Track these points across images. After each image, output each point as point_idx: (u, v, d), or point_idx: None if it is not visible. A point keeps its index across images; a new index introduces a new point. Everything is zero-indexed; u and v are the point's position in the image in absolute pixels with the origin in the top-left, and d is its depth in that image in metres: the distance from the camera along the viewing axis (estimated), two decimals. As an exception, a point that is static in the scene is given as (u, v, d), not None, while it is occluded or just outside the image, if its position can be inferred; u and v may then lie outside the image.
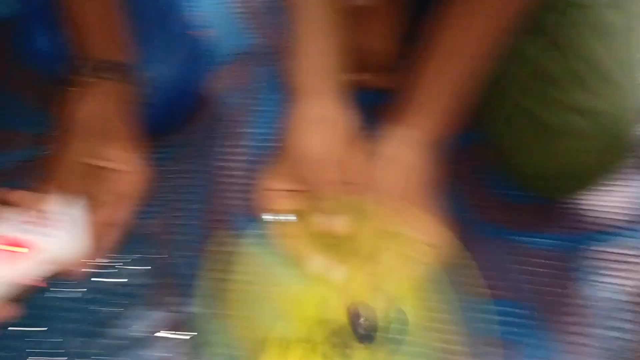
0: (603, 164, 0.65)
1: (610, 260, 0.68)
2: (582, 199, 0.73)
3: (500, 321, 0.63)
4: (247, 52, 0.86)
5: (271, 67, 0.84)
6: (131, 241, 0.55)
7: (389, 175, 0.56)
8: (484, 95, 0.68)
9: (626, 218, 0.72)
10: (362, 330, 0.51)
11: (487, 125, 0.69)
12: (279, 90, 0.80)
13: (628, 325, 0.64)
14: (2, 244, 0.43)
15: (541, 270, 0.68)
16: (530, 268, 0.68)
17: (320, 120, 0.57)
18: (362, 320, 0.51)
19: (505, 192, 0.73)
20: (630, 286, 0.67)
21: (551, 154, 0.64)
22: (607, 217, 0.72)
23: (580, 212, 0.72)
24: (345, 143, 0.57)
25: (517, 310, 0.65)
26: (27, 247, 0.44)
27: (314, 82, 0.59)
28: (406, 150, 0.57)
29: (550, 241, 0.70)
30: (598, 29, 0.64)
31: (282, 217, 0.55)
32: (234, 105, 0.80)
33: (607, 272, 0.68)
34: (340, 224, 0.54)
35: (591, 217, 0.72)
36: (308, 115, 0.57)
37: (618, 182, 0.74)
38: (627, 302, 0.65)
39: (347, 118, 0.58)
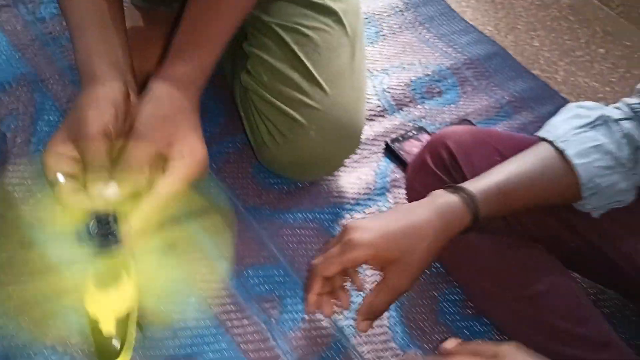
0: (338, 149, 0.79)
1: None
2: (328, 179, 0.87)
3: (264, 282, 0.75)
4: (22, 80, 0.90)
5: (45, 93, 0.89)
6: None
7: (152, 119, 0.59)
8: (247, 102, 0.81)
9: (366, 190, 0.88)
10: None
11: (251, 126, 0.81)
12: (54, 113, 0.86)
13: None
14: None
15: (295, 237, 0.80)
16: (285, 237, 0.80)
17: (99, 99, 0.59)
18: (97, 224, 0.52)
19: (265, 180, 0.85)
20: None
21: (296, 143, 0.76)
22: (351, 191, 0.87)
23: (327, 190, 0.87)
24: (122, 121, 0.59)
25: (276, 271, 0.76)
26: None
27: (96, 69, 0.61)
28: (167, 97, 0.61)
29: (303, 215, 0.83)
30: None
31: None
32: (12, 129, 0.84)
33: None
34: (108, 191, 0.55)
35: (335, 194, 0.87)
36: (89, 95, 0.59)
37: (357, 162, 0.90)
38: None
39: (126, 99, 0.61)
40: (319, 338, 0.71)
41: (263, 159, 0.83)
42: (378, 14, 1.16)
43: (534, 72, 1.13)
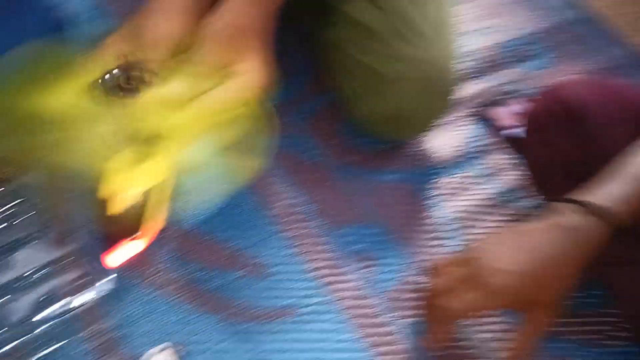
0: (428, 105, 0.76)
1: (447, 188, 0.80)
2: (420, 141, 0.84)
3: (357, 241, 0.72)
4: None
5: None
6: None
7: (219, 33, 0.56)
8: (332, 59, 0.78)
9: (457, 154, 0.84)
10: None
11: (336, 83, 0.78)
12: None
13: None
14: None
15: (390, 198, 0.77)
16: (380, 197, 0.77)
17: (169, 8, 0.56)
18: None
19: (355, 139, 0.82)
20: (462, 206, 0.78)
21: (386, 99, 0.74)
22: (442, 154, 0.84)
23: (419, 151, 0.83)
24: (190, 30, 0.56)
25: (370, 231, 0.74)
26: None
27: None
28: (238, 12, 0.58)
29: (396, 176, 0.80)
30: None
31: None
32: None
33: (445, 197, 0.79)
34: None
35: (428, 155, 0.83)
36: (160, 5, 0.56)
37: (448, 125, 0.86)
38: (460, 218, 0.77)
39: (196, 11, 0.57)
40: (416, 301, 0.69)
41: (353, 116, 0.80)
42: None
43: (632, 39, 1.07)
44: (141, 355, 0.61)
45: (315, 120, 0.84)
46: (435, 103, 0.77)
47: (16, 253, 0.63)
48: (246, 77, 0.55)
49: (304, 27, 0.84)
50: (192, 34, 0.55)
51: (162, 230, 0.57)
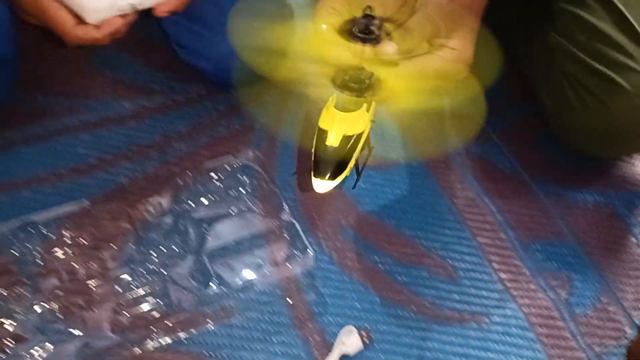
0: None
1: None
2: (619, 163, 0.80)
3: (549, 258, 0.70)
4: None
5: None
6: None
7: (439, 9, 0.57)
8: (554, 65, 0.75)
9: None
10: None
11: (548, 91, 0.76)
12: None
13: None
14: None
15: (590, 218, 0.75)
16: (578, 216, 0.75)
17: None
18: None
19: (553, 153, 0.80)
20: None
21: (611, 111, 0.69)
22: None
23: (620, 174, 0.79)
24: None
25: (564, 251, 0.72)
26: None
27: None
28: None
29: (598, 197, 0.77)
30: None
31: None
32: None
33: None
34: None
35: (631, 179, 0.79)
36: None
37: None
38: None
39: None
40: (613, 330, 0.66)
41: (563, 127, 0.76)
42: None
43: None
44: (327, 332, 0.64)
45: (514, 131, 0.83)
46: None
47: (228, 222, 0.68)
48: (457, 52, 0.55)
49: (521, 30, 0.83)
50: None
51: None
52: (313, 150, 0.54)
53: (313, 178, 0.54)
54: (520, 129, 0.83)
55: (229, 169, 0.71)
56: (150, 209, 0.67)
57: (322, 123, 0.52)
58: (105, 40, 0.57)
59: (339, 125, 0.52)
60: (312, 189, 0.55)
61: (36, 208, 0.66)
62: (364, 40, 0.51)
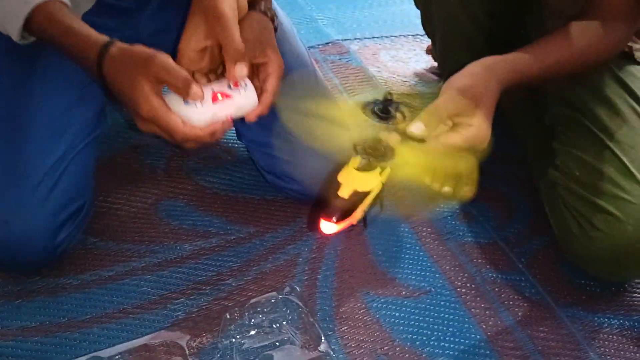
0: None
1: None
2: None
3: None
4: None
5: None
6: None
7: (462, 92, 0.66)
8: (557, 198, 0.80)
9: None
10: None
11: (559, 222, 0.80)
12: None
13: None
14: (216, 92, 0.66)
15: (613, 342, 0.74)
16: (603, 341, 0.74)
17: None
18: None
19: (577, 280, 0.81)
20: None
21: (611, 238, 0.73)
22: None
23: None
24: None
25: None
26: (229, 96, 0.67)
27: None
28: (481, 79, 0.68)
29: (620, 321, 0.77)
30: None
31: None
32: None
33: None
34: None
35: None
36: None
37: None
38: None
39: None
40: None
41: (571, 253, 0.80)
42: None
43: None
44: None
45: (539, 258, 0.85)
46: None
47: (272, 354, 0.72)
48: (474, 130, 0.64)
49: (528, 169, 0.89)
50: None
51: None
52: (328, 197, 0.62)
53: (321, 220, 0.61)
54: (545, 256, 0.85)
55: (272, 303, 0.76)
56: (203, 341, 0.72)
57: (340, 177, 0.62)
58: (206, 138, 0.66)
59: (352, 181, 0.61)
60: (321, 230, 0.62)
61: (104, 343, 0.72)
62: (382, 118, 0.62)
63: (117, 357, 0.70)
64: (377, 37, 1.36)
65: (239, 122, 0.79)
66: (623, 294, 0.80)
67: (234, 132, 0.99)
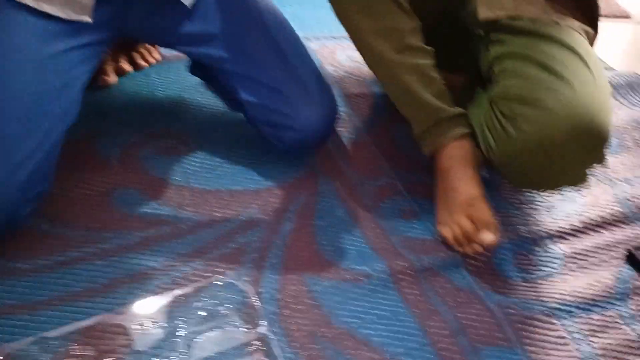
0: (575, 149, 0.75)
1: (594, 325, 0.78)
2: (560, 277, 0.84)
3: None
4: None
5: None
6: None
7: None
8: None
9: (606, 293, 0.83)
10: None
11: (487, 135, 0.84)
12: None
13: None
14: None
15: (534, 327, 0.78)
16: (524, 324, 0.78)
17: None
18: None
19: (507, 271, 0.85)
20: (607, 344, 0.76)
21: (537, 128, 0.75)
22: (585, 293, 0.83)
23: (561, 289, 0.83)
24: None
25: (512, 355, 0.74)
26: None
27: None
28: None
29: (541, 308, 0.81)
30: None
31: None
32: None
33: (591, 334, 0.77)
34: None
35: (572, 293, 0.83)
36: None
37: (589, 269, 0.86)
38: (604, 356, 0.75)
39: None
40: None
41: (506, 159, 0.81)
42: (622, 127, 1.12)
43: None
44: None
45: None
46: (587, 147, 0.76)
47: (213, 336, 0.74)
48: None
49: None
50: None
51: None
52: None
53: None
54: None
55: (217, 288, 0.78)
56: (148, 324, 0.73)
57: None
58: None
59: None
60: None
61: (52, 325, 0.73)
62: None
63: (63, 339, 0.71)
64: (337, 38, 1.38)
65: (239, 82, 0.95)
66: (542, 284, 0.84)
67: (199, 114, 1.00)
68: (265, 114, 0.96)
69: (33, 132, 0.79)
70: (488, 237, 0.83)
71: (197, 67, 1.09)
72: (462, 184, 0.86)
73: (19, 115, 0.79)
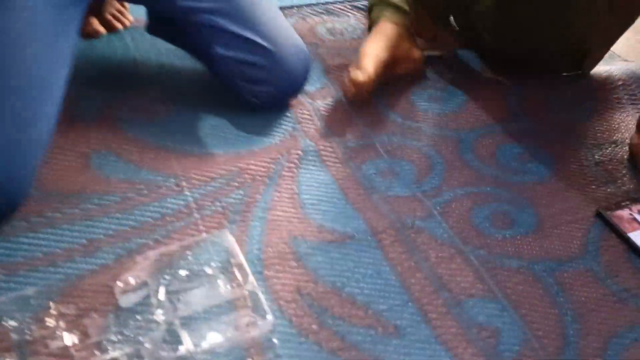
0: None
1: (570, 279, 0.80)
2: (545, 234, 0.86)
3: (479, 314, 0.75)
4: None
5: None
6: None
7: None
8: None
9: (573, 251, 0.85)
10: None
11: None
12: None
13: None
14: None
15: (515, 282, 0.79)
16: (504, 278, 0.80)
17: None
18: None
19: (486, 228, 0.86)
20: (582, 297, 0.78)
21: None
22: (560, 250, 0.85)
23: (541, 246, 0.85)
24: None
25: (494, 305, 0.76)
26: None
27: None
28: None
29: (522, 262, 0.82)
30: None
31: None
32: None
33: (566, 287, 0.79)
34: None
35: (544, 250, 0.85)
36: None
37: (559, 229, 0.88)
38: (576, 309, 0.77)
39: None
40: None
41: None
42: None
43: None
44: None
45: (449, 207, 0.90)
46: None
47: (199, 293, 0.73)
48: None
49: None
50: None
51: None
52: None
53: None
54: (457, 206, 0.90)
55: (202, 246, 0.77)
56: (131, 282, 0.71)
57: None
58: None
59: None
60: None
61: (31, 285, 0.71)
62: None
63: (44, 297, 0.69)
64: (314, 4, 1.37)
65: (215, 37, 0.95)
66: (518, 242, 0.86)
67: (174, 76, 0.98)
68: (241, 68, 0.97)
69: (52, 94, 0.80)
70: (355, 74, 1.01)
71: (157, 27, 1.07)
72: (370, 40, 1.07)
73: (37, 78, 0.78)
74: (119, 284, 0.71)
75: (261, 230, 0.83)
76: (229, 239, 0.78)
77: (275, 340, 0.70)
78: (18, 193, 0.77)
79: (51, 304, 0.68)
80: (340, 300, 0.76)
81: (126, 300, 0.70)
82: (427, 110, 1.10)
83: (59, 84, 0.81)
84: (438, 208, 0.89)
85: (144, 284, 0.72)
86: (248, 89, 0.99)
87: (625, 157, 1.02)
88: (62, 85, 0.82)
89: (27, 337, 0.65)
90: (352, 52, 1.20)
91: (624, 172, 0.99)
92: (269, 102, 1.01)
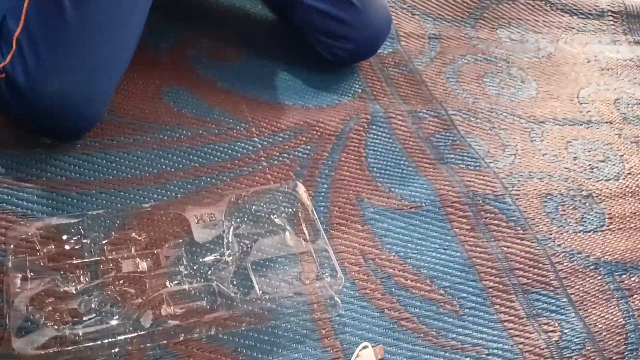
0: None
1: (630, 285, 0.80)
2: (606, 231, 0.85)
3: (543, 305, 0.74)
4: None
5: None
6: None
7: None
8: None
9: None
10: None
11: None
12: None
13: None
14: None
15: (582, 279, 0.79)
16: (569, 271, 0.79)
17: None
18: None
19: (550, 210, 0.85)
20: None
21: None
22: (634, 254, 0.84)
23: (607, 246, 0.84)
24: None
25: (557, 300, 0.76)
26: None
27: None
28: None
29: (588, 260, 0.81)
30: None
31: None
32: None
33: (628, 293, 0.79)
34: None
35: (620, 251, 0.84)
36: None
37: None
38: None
39: None
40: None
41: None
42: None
43: None
44: (345, 347, 0.66)
45: (523, 188, 0.88)
46: None
47: (270, 240, 0.72)
48: None
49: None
50: None
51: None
52: None
53: None
54: (531, 188, 0.89)
55: (273, 194, 0.76)
56: (205, 218, 0.71)
57: None
58: None
59: None
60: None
61: (102, 206, 0.70)
62: None
63: (119, 221, 0.68)
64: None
65: None
66: (585, 238, 0.85)
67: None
68: (324, 20, 0.95)
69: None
70: None
71: None
72: None
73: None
74: (195, 218, 0.70)
75: (328, 187, 0.82)
76: (301, 192, 0.77)
77: (338, 300, 0.70)
78: (94, 113, 0.76)
79: (127, 229, 0.67)
80: (404, 271, 0.75)
81: (201, 236, 0.69)
82: (499, 95, 1.07)
83: (143, 11, 0.79)
84: (509, 188, 0.88)
85: (218, 222, 0.71)
86: (326, 44, 0.97)
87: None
88: (145, 12, 0.80)
89: (101, 257, 0.65)
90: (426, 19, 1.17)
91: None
92: (345, 59, 0.99)
